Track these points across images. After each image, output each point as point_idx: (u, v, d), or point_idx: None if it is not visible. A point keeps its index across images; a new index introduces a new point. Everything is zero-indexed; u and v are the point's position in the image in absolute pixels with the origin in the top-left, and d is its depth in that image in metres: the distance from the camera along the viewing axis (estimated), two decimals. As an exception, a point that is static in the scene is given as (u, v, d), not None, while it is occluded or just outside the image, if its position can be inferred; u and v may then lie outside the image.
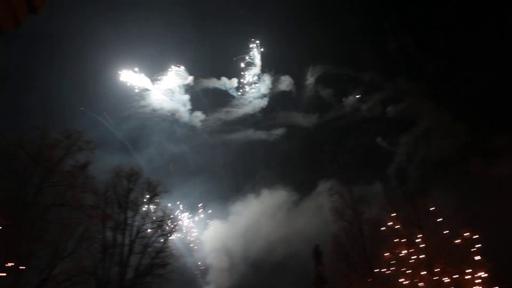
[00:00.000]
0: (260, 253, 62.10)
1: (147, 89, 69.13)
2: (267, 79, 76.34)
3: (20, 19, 1.48)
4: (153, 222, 33.18)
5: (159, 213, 33.93)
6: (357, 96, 74.95)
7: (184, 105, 72.05)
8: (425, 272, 29.54)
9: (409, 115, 71.23)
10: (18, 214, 24.42)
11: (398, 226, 32.50)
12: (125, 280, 29.22)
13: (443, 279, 28.85)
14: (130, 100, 68.58)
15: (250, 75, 75.73)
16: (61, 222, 26.76)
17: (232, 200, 67.20)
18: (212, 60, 76.44)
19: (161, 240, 32.50)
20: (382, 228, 33.32)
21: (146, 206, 32.79)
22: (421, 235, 31.33)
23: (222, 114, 74.50)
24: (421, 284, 28.88)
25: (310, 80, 77.13)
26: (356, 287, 31.21)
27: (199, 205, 65.80)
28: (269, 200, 66.30)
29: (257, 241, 63.54)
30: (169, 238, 33.27)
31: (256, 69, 74.84)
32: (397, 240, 31.55)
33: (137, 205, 32.61)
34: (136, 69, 66.73)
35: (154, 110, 70.47)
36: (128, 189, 32.77)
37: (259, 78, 76.41)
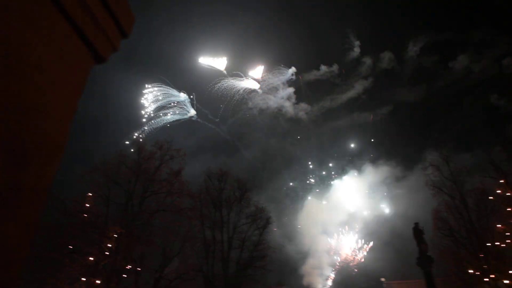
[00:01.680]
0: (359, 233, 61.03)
1: (253, 90, 72.28)
2: (367, 60, 75.28)
3: (116, 45, 1.91)
4: (247, 217, 34.70)
5: (252, 208, 35.39)
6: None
7: (289, 99, 74.24)
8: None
9: None
10: (129, 222, 27.64)
11: (509, 193, 29.07)
12: (228, 274, 31.13)
13: None
14: (239, 102, 72.62)
15: (350, 60, 75.60)
16: (165, 226, 29.62)
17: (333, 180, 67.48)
18: (310, 51, 77.73)
19: (257, 234, 33.86)
20: (490, 198, 30.14)
21: (238, 202, 34.37)
22: (538, 201, 27.66)
23: (327, 102, 75.33)
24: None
25: (412, 52, 73.87)
26: (466, 265, 28.74)
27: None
28: (371, 177, 64.73)
29: (356, 221, 62.56)
30: (264, 230, 34.36)
31: (356, 52, 74.42)
32: (510, 209, 28.25)
33: (230, 203, 34.41)
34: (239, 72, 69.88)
35: (261, 110, 73.88)
36: (220, 189, 34.77)
37: (359, 60, 75.79)
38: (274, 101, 73.76)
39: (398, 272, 43.87)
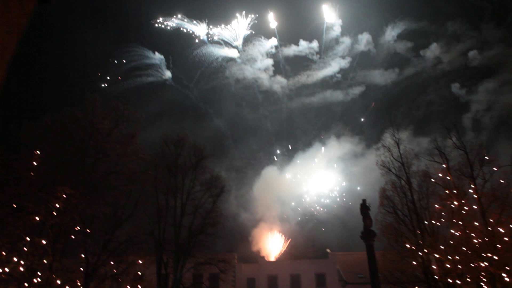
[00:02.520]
0: (311, 206, 63.69)
1: (232, 59, 71.01)
2: (346, 40, 76.63)
3: None
4: (202, 184, 34.78)
5: (207, 176, 35.46)
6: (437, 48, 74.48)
7: (266, 70, 74.46)
8: (478, 224, 28.58)
9: (492, 63, 70.12)
10: (79, 183, 26.74)
11: (449, 177, 31.35)
12: (180, 239, 31.42)
13: (499, 229, 27.81)
14: (216, 69, 71.24)
15: (329, 38, 76.53)
16: (118, 189, 29.00)
17: (298, 151, 69.39)
18: (291, 25, 77.82)
19: (211, 201, 34.16)
20: (432, 180, 32.34)
21: (193, 169, 34.23)
22: (473, 186, 30.06)
23: (303, 78, 76.32)
24: (473, 235, 28.07)
25: (389, 37, 76.46)
26: (405, 239, 31.07)
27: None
28: (333, 151, 67.00)
29: (310, 192, 65.07)
30: (218, 198, 34.70)
31: (336, 31, 75.25)
32: (448, 191, 30.55)
33: (185, 169, 34.21)
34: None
35: (237, 80, 73.41)
36: (176, 155, 34.36)
37: (338, 40, 76.65)
38: (251, 71, 74.13)
39: (344, 244, 46.68)
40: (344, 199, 63.83)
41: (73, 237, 25.60)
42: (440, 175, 32.02)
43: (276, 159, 72.89)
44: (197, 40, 73.37)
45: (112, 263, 27.08)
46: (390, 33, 77.23)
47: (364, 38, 76.90)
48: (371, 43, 77.97)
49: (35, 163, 24.95)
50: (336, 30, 77.33)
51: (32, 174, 24.18)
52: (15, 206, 22.73)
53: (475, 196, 29.95)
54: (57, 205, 24.23)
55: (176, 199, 32.86)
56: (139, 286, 28.27)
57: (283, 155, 73.55)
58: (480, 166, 30.59)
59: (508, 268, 27.02)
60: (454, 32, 76.10)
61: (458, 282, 28.10)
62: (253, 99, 77.24)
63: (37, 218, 22.83)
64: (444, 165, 32.00)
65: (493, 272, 26.48)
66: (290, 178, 67.49)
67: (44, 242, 22.90)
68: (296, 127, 77.54)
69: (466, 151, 31.43)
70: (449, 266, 28.47)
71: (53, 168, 27.10)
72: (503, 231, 27.60)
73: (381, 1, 76.81)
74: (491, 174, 30.30)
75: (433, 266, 29.98)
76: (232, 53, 74.21)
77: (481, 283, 27.63)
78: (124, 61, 69.27)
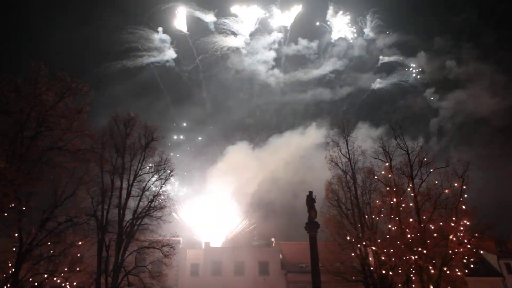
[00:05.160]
0: (269, 193, 64.73)
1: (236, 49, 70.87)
2: (344, 44, 79.84)
3: None
4: (150, 167, 33.79)
5: (156, 158, 34.48)
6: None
7: (266, 63, 76.44)
8: (412, 220, 30.70)
9: (467, 77, 77.71)
10: (17, 157, 24.78)
11: (391, 175, 33.22)
12: (124, 221, 30.42)
13: (430, 226, 30.08)
14: (219, 57, 70.54)
15: (329, 39, 79.84)
16: (59, 165, 27.24)
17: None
18: (297, 23, 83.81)
19: (158, 184, 33.35)
20: (375, 177, 34.07)
21: (142, 150, 33.10)
22: (411, 185, 32.15)
23: (299, 74, 79.33)
24: (407, 230, 30.11)
25: (381, 45, 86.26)
26: (346, 232, 32.61)
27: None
28: (299, 141, 68.19)
29: (269, 180, 65.98)
30: (166, 182, 33.96)
31: (334, 34, 78.80)
32: (388, 188, 32.40)
33: (134, 150, 33.00)
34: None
35: (237, 71, 73.27)
36: (126, 134, 33.00)
37: (335, 42, 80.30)
38: (251, 63, 75.64)
39: (288, 234, 47.96)
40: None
41: (6, 214, 23.76)
42: (383, 172, 33.87)
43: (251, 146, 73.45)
44: (205, 28, 73.63)
45: (49, 243, 25.56)
46: (382, 42, 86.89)
47: (359, 43, 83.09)
48: (364, 48, 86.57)
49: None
50: (337, 32, 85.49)
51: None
52: None
53: (412, 194, 32.14)
54: (-11, 179, 22.35)
55: (123, 180, 31.69)
56: (77, 268, 27.00)
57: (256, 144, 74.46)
58: (419, 167, 32.77)
59: (434, 262, 29.47)
60: (439, 46, 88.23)
61: (391, 273, 30.14)
62: (249, 89, 78.77)
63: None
64: (387, 164, 33.87)
65: (422, 265, 28.71)
66: (255, 162, 68.43)
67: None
68: (282, 120, 79.60)
69: (408, 152, 33.49)
70: (384, 258, 30.43)
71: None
72: (433, 228, 29.95)
73: (379, 10, 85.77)
74: (428, 174, 32.61)
75: (370, 258, 31.85)
76: (237, 43, 75.45)
77: (411, 275, 29.88)
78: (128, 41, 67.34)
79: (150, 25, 71.62)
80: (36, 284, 25.10)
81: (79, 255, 28.04)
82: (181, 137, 72.17)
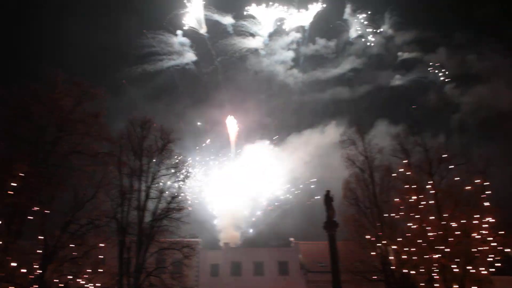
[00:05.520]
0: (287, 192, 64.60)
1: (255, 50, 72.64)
2: (362, 42, 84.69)
3: None
4: (167, 168, 34.09)
5: (174, 160, 34.77)
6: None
7: (284, 63, 77.42)
8: (433, 217, 30.13)
9: (488, 71, 78.53)
10: (39, 162, 25.39)
11: (409, 173, 32.70)
12: (143, 223, 30.78)
13: (451, 223, 29.48)
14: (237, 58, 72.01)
15: (347, 37, 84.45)
16: (79, 169, 27.80)
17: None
18: (315, 23, 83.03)
19: (176, 186, 33.60)
20: (393, 175, 33.60)
21: (159, 152, 33.41)
22: (431, 182, 31.57)
23: (317, 74, 79.99)
24: (428, 228, 29.58)
25: (400, 41, 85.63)
26: (365, 231, 32.24)
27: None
28: (318, 140, 68.14)
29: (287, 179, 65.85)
30: (184, 183, 34.17)
31: (352, 32, 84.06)
32: (407, 186, 31.89)
33: (151, 152, 33.35)
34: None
35: (255, 72, 74.66)
36: (142, 137, 33.39)
37: (353, 41, 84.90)
38: (270, 63, 76.70)
39: (307, 234, 47.63)
40: (312, 186, 64.90)
41: (30, 217, 24.38)
42: (401, 170, 33.36)
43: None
44: (223, 30, 75.11)
45: (72, 245, 26.07)
46: (401, 38, 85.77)
47: (378, 41, 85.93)
48: (383, 46, 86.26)
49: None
50: (354, 31, 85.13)
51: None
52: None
53: (432, 191, 31.56)
54: (14, 184, 22.95)
55: (141, 182, 32.00)
56: (100, 270, 27.48)
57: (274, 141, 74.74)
58: (438, 164, 32.18)
59: (457, 260, 28.85)
60: (459, 42, 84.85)
61: (412, 272, 29.65)
62: (268, 89, 79.55)
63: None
64: (405, 161, 33.37)
65: (445, 263, 28.20)
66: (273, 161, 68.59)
67: (-2, 222, 21.68)
68: (301, 119, 79.63)
69: (426, 149, 32.95)
70: (405, 257, 29.95)
71: (9, 145, 25.57)
72: (455, 225, 29.32)
73: (397, 7, 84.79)
74: (447, 171, 31.99)
75: (390, 257, 31.41)
76: (256, 45, 76.79)
77: (433, 274, 29.33)
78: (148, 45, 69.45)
79: (169, 29, 73.07)
80: (61, 285, 25.63)
81: (101, 256, 28.41)
82: (207, 140, 72.70)
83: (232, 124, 73.27)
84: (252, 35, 79.37)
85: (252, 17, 78.60)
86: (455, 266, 28.51)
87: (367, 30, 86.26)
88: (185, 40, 75.15)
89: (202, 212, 59.72)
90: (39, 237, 25.07)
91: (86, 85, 28.75)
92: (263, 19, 79.11)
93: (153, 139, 33.65)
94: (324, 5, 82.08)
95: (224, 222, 59.23)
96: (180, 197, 32.68)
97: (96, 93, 29.26)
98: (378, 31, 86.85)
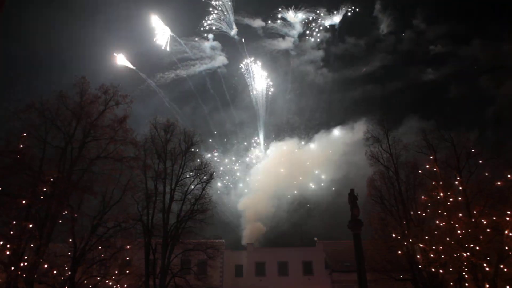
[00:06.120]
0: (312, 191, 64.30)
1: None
2: (392, 38, 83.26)
3: None
4: (191, 170, 34.61)
5: (197, 162, 35.32)
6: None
7: (314, 62, 78.69)
8: (462, 215, 29.19)
9: None
10: (67, 167, 26.33)
11: (436, 169, 31.84)
12: (168, 225, 31.38)
13: (482, 220, 28.46)
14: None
15: (376, 34, 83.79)
16: (106, 173, 28.62)
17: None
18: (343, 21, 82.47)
19: (200, 188, 34.06)
20: (419, 171, 32.80)
21: (183, 155, 33.97)
22: (459, 178, 30.61)
23: (348, 72, 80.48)
24: (457, 226, 28.68)
25: (432, 35, 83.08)
26: (391, 229, 31.63)
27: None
28: (346, 138, 67.81)
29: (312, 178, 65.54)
30: (208, 185, 34.58)
31: (382, 29, 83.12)
32: (434, 183, 31.05)
33: (175, 155, 33.94)
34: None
35: (285, 72, 75.99)
36: (166, 140, 34.03)
37: (384, 38, 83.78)
38: (299, 63, 77.97)
39: (331, 233, 47.22)
40: (333, 188, 64.37)
41: (60, 221, 25.32)
42: (427, 166, 32.51)
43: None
44: (254, 33, 76.99)
45: (100, 248, 26.92)
46: (433, 32, 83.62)
47: (407, 36, 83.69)
48: (414, 40, 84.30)
49: (21, 146, 24.46)
50: (385, 27, 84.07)
51: (19, 157, 23.70)
52: (0, 189, 22.31)
53: (460, 188, 30.57)
54: (45, 189, 23.89)
55: (165, 184, 32.69)
56: (127, 271, 28.24)
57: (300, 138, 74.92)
58: (467, 159, 31.13)
59: (489, 259, 27.81)
60: (493, 33, 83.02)
61: (441, 271, 28.83)
62: (298, 89, 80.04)
63: (24, 202, 22.47)
64: (431, 157, 32.48)
65: (475, 262, 27.21)
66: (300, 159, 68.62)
67: (30, 226, 22.60)
68: (331, 117, 79.54)
69: (453, 144, 31.92)
70: (433, 256, 29.12)
71: (40, 151, 26.59)
72: (485, 223, 28.25)
73: (428, 1, 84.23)
74: (476, 166, 30.91)
75: (418, 256, 30.66)
76: (286, 45, 78.03)
77: (463, 273, 28.42)
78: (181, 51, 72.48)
79: (201, 34, 75.04)
80: (90, 286, 26.49)
81: (128, 258, 29.22)
82: (236, 141, 73.87)
83: (259, 123, 74.18)
84: (282, 36, 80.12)
85: (282, 19, 79.29)
86: (486, 264, 27.51)
87: (398, 25, 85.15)
88: (217, 44, 76.98)
89: (226, 213, 60.26)
90: (69, 240, 25.99)
91: (112, 91, 29.53)
92: (292, 21, 79.71)
93: (177, 142, 34.30)
94: (353, 7, 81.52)
95: (248, 220, 59.44)
96: (203, 198, 33.14)
97: (121, 98, 30.01)
98: (409, 26, 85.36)
